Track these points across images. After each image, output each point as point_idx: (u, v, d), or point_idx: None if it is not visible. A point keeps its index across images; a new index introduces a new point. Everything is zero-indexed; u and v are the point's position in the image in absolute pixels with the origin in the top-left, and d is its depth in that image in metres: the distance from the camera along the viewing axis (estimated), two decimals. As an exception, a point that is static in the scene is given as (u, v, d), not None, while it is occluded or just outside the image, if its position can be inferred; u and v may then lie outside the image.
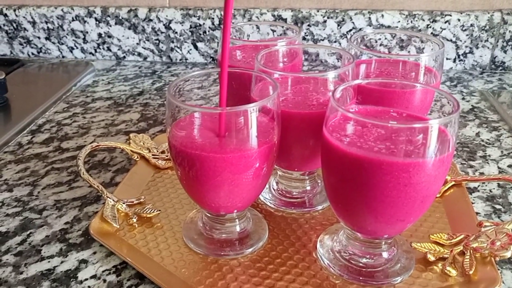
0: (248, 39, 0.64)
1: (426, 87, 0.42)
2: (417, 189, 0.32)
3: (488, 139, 0.59)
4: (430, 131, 0.31)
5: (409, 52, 0.74)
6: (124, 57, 0.88)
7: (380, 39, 0.75)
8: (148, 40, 0.86)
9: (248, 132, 0.35)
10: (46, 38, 0.89)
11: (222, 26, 0.37)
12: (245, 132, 0.35)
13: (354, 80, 0.39)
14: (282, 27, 0.68)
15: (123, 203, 0.46)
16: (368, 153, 0.31)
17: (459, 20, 0.76)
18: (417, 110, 0.42)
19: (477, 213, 0.45)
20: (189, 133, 0.37)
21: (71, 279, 0.39)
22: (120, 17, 0.85)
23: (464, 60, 0.79)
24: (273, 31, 0.72)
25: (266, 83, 0.41)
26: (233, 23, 0.81)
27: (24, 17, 0.87)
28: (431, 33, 0.77)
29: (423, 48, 0.71)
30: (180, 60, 0.87)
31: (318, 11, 0.79)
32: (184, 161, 0.36)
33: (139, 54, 0.88)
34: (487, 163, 0.54)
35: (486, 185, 0.50)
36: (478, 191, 0.49)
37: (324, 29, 0.79)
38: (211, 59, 0.86)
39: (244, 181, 0.37)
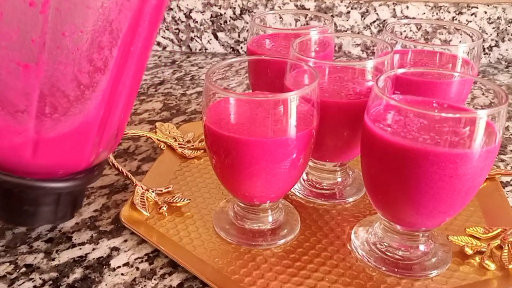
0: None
1: (472, 78, 0.41)
2: (463, 180, 0.31)
3: (517, 133, 0.58)
4: (478, 121, 0.30)
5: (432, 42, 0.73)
6: (144, 46, 0.88)
7: (405, 31, 0.74)
8: (168, 30, 0.85)
9: (290, 119, 0.34)
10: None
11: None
12: (287, 119, 0.34)
13: (396, 69, 0.38)
14: (306, 16, 0.67)
15: (152, 192, 0.45)
16: (415, 143, 0.31)
17: (485, 12, 0.75)
18: (453, 102, 0.41)
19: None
20: (228, 120, 0.36)
21: (104, 266, 0.38)
22: (141, 6, 0.84)
23: (490, 54, 0.78)
24: (296, 20, 0.72)
25: (300, 71, 0.41)
26: (254, 13, 0.81)
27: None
28: (454, 27, 0.76)
29: (450, 40, 0.70)
30: (200, 50, 0.87)
31: (341, 2, 0.78)
32: (221, 148, 0.36)
33: (159, 44, 0.87)
34: (518, 157, 0.53)
35: (518, 179, 0.49)
36: (511, 185, 0.48)
37: (347, 20, 0.78)
38: (231, 49, 0.85)
39: (281, 171, 0.36)
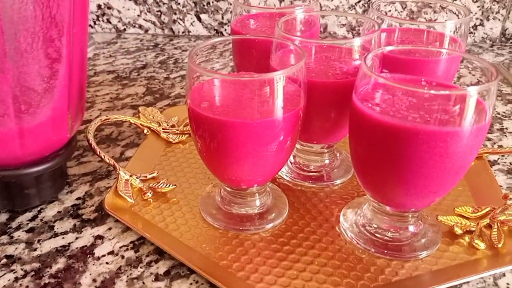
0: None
1: (459, 55, 0.40)
2: (453, 159, 0.31)
3: (504, 112, 0.58)
4: (468, 99, 0.30)
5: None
6: (125, 29, 0.86)
7: (390, 10, 0.73)
8: (149, 12, 0.83)
9: (277, 100, 0.33)
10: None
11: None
12: (273, 100, 0.33)
13: (383, 47, 0.37)
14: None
15: (137, 178, 0.44)
16: (404, 122, 0.30)
17: (471, -10, 0.74)
18: (441, 80, 0.40)
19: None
20: (212, 102, 0.35)
21: (88, 256, 0.37)
22: (120, -12, 0.82)
23: (474, 33, 0.78)
24: (281, 0, 0.70)
25: (286, 51, 0.40)
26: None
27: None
28: (440, 6, 0.75)
29: (435, 19, 0.70)
30: (183, 32, 0.85)
31: (326, -19, 0.76)
32: (206, 131, 0.35)
33: (140, 27, 0.85)
34: (505, 135, 0.53)
35: (506, 158, 0.49)
36: (498, 164, 0.48)
37: (332, 0, 0.77)
38: (215, 31, 0.84)
39: (268, 154, 0.35)
